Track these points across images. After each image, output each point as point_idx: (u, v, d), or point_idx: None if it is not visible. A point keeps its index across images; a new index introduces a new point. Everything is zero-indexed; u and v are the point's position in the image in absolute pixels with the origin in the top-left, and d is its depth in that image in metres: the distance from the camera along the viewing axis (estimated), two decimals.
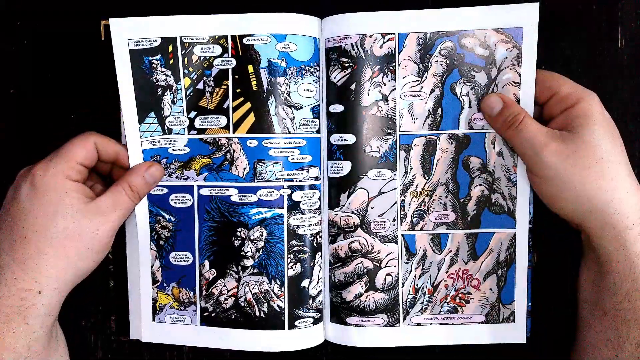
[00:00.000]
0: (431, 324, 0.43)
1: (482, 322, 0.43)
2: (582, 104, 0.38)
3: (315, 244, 0.43)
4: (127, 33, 0.42)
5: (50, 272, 0.36)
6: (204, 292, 0.44)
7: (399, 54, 0.42)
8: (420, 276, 0.43)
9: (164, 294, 0.44)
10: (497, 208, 0.42)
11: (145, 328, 0.44)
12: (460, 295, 0.43)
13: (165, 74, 0.42)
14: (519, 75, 0.41)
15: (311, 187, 0.43)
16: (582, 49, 0.44)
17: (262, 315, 0.43)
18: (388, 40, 0.42)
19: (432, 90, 0.42)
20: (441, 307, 0.43)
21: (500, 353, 0.44)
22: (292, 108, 0.42)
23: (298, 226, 0.43)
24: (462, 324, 0.43)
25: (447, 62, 0.42)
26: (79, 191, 0.38)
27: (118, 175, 0.42)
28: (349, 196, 0.43)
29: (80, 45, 0.45)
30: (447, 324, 0.43)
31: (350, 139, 0.42)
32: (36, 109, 0.45)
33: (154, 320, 0.44)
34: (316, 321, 0.43)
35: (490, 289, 0.43)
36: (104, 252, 0.39)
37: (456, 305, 0.43)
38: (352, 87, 0.42)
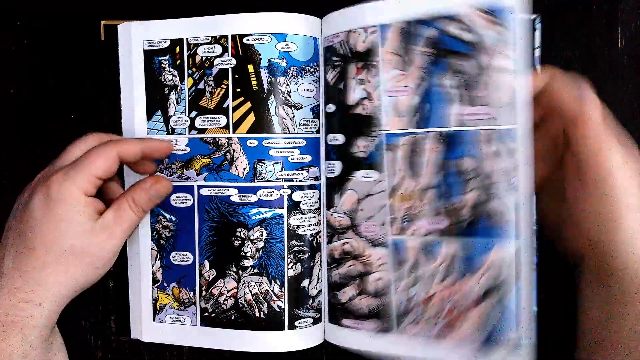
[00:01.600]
0: (426, 336, 0.40)
1: (482, 343, 0.38)
2: (588, 124, 0.35)
3: (315, 244, 0.43)
4: (142, 35, 0.43)
5: (52, 285, 0.36)
6: (203, 293, 0.44)
7: (381, 47, 0.40)
8: (412, 285, 0.40)
9: (164, 294, 0.44)
10: (496, 216, 0.38)
11: (146, 328, 0.44)
12: (456, 311, 0.39)
13: (172, 73, 0.43)
14: (513, 61, 0.37)
15: (311, 187, 0.43)
16: (582, 49, 0.44)
17: (262, 315, 0.43)
18: (371, 34, 0.41)
19: (419, 85, 0.40)
20: (436, 321, 0.40)
21: None
22: (292, 108, 0.42)
23: (298, 226, 0.43)
24: (457, 345, 0.39)
25: (433, 52, 0.39)
26: (90, 206, 0.37)
27: (136, 166, 0.42)
28: (340, 197, 0.42)
29: (80, 45, 0.45)
30: (441, 339, 0.39)
31: (340, 139, 0.42)
32: (36, 109, 0.45)
33: (154, 320, 0.44)
34: (316, 321, 0.43)
35: (491, 308, 0.38)
36: (106, 267, 0.39)
37: (452, 322, 0.39)
38: (341, 85, 0.42)
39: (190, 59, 0.43)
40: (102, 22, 0.44)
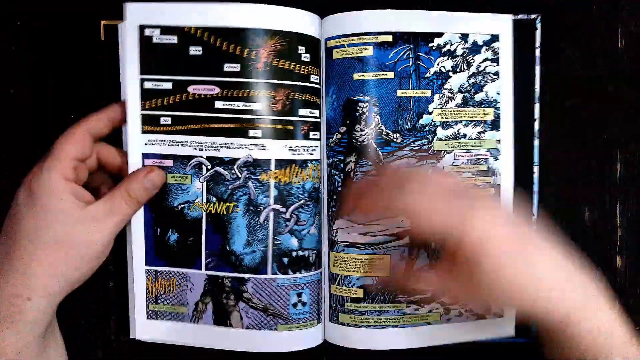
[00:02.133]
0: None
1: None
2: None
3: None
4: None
5: (39, 279, 0.35)
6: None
7: None
8: None
9: None
10: None
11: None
12: None
13: None
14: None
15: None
16: (582, 49, 0.44)
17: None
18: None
19: None
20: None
21: (504, 352, 0.44)
22: None
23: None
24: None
25: None
26: (73, 193, 0.36)
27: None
28: None
29: (80, 45, 0.45)
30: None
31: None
32: (36, 109, 0.45)
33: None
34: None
35: None
36: (98, 259, 0.38)
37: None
38: None
39: None
40: (102, 22, 0.44)
